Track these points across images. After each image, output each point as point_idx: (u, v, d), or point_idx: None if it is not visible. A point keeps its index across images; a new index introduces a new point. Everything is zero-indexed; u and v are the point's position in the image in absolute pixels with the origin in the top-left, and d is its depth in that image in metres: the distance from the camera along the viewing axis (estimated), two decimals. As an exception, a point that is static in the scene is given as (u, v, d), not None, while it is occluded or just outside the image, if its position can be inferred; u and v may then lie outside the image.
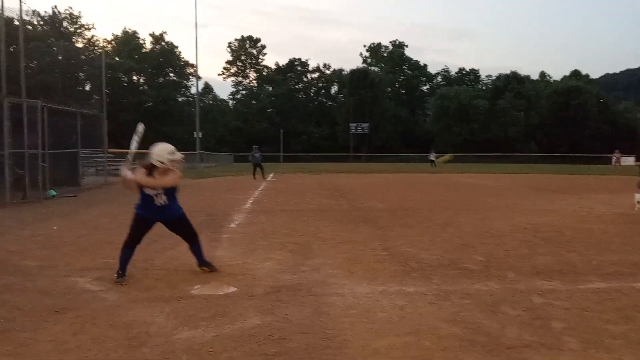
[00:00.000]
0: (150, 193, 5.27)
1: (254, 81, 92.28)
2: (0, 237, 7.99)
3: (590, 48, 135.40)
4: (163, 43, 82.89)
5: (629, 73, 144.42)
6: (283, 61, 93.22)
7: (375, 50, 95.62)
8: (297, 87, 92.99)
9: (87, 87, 71.84)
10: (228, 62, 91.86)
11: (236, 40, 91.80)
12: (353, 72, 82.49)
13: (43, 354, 3.46)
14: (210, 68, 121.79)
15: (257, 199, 14.87)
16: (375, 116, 77.69)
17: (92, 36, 77.85)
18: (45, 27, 72.20)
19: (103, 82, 25.39)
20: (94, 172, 21.69)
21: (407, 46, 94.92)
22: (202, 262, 5.64)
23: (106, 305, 4.49)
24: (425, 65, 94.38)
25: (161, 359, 3.38)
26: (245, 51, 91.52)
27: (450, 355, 3.44)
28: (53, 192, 14.20)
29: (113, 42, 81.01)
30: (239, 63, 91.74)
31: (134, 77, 79.80)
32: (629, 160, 38.88)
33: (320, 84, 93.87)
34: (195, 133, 42.58)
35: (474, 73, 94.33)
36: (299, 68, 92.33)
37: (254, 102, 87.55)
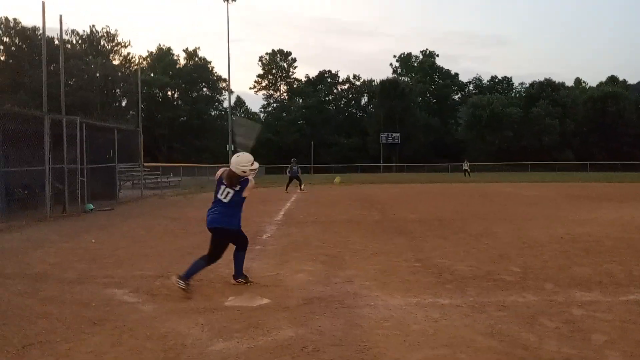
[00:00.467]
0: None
1: (285, 94, 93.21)
2: (41, 250, 8.24)
3: (627, 53, 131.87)
4: (196, 58, 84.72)
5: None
6: (313, 73, 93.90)
7: (405, 60, 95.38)
8: (327, 98, 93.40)
9: (124, 103, 73.67)
10: (259, 76, 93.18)
11: (267, 54, 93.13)
12: (383, 82, 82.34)
13: (83, 365, 3.54)
14: (242, 82, 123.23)
15: (288, 210, 14.94)
16: (406, 126, 77.27)
17: (128, 53, 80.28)
18: (83, 46, 74.73)
19: (139, 98, 26.07)
20: (130, 186, 22.17)
21: (437, 55, 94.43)
22: (239, 274, 5.70)
23: (143, 316, 4.58)
24: (456, 74, 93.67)
25: (196, 370, 3.41)
26: (276, 64, 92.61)
27: (486, 369, 3.37)
28: (91, 206, 14.58)
29: (148, 59, 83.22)
30: (270, 76, 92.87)
31: (169, 93, 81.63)
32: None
33: (350, 95, 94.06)
34: (227, 146, 43.20)
35: (507, 81, 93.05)
36: (329, 80, 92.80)
37: (285, 114, 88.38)
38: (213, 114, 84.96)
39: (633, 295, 5.13)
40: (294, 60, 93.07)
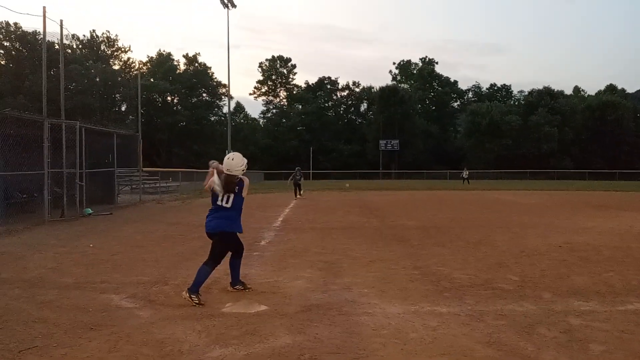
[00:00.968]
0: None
1: (284, 100, 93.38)
2: (39, 254, 8.22)
3: (626, 62, 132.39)
4: (196, 64, 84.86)
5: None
6: (313, 80, 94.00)
7: (405, 67, 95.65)
8: (326, 105, 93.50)
9: (123, 108, 73.76)
10: (259, 82, 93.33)
11: (267, 60, 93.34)
12: (382, 89, 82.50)
13: (79, 371, 3.53)
14: (242, 88, 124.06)
15: (287, 216, 14.93)
16: (405, 133, 77.34)
17: (128, 58, 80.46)
18: (84, 51, 74.89)
19: (139, 103, 26.10)
20: (129, 191, 22.15)
21: (437, 63, 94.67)
22: (236, 281, 5.69)
23: (140, 322, 4.56)
24: (455, 82, 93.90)
25: (193, 377, 3.40)
26: (276, 71, 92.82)
27: (484, 378, 3.36)
28: (89, 210, 14.57)
29: (148, 64, 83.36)
30: (269, 82, 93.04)
31: (168, 98, 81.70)
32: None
33: (350, 102, 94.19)
34: (227, 151, 43.21)
35: (506, 89, 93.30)
36: (328, 86, 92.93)
37: (284, 120, 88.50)
38: (212, 119, 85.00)
39: (631, 305, 5.12)
40: (294, 66, 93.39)
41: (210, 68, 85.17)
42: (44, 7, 14.62)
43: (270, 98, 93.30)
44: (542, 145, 72.45)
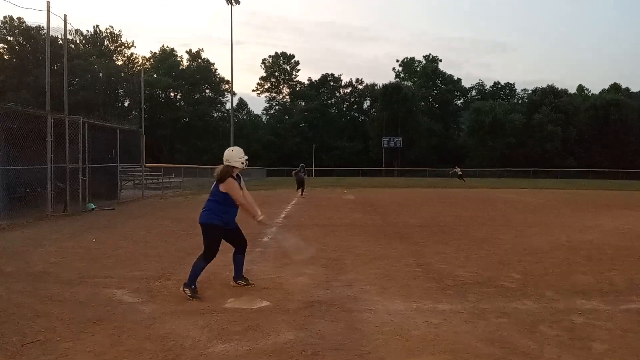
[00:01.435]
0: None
1: (287, 97, 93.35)
2: (42, 249, 8.23)
3: (630, 61, 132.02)
4: (199, 60, 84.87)
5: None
6: (316, 76, 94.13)
7: (408, 64, 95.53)
8: (329, 102, 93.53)
9: (126, 104, 73.90)
10: (262, 78, 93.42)
11: (270, 56, 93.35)
12: (386, 86, 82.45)
13: (82, 364, 3.54)
14: (245, 84, 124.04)
15: (289, 213, 14.93)
16: (408, 130, 77.32)
17: (132, 54, 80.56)
18: (87, 46, 74.97)
19: (142, 99, 26.12)
20: (131, 186, 22.17)
21: (440, 60, 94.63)
22: (239, 276, 5.69)
23: (142, 317, 4.57)
24: (459, 80, 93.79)
25: (195, 372, 3.40)
26: (279, 67, 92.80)
27: (486, 376, 3.36)
28: (92, 205, 14.59)
29: (151, 60, 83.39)
30: (272, 79, 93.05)
31: (171, 94, 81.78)
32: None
33: (353, 99, 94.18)
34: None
35: (510, 87, 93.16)
36: (331, 83, 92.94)
37: (287, 117, 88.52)
38: (215, 115, 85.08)
39: (634, 304, 5.11)
40: (297, 63, 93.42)
41: (213, 64, 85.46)
42: (48, 2, 14.64)
43: (273, 95, 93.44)
44: (545, 143, 72.33)
